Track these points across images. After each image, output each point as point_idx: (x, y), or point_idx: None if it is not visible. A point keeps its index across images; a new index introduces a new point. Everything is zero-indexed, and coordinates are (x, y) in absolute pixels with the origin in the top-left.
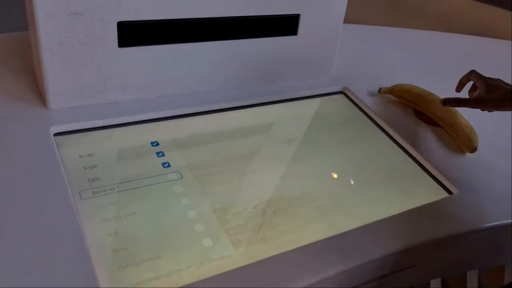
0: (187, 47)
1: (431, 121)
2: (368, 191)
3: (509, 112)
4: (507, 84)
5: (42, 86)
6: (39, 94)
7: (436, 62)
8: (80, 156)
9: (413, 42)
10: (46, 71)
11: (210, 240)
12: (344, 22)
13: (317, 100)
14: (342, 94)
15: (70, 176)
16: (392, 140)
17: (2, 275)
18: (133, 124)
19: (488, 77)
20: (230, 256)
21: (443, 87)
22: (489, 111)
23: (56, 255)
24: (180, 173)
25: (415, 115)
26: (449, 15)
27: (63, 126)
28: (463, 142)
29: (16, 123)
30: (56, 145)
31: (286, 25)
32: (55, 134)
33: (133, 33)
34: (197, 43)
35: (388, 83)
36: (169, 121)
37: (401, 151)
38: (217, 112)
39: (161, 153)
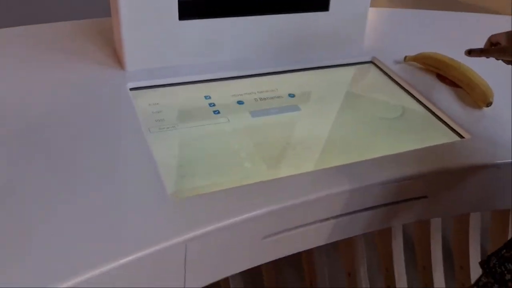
0: (235, 21)
1: (452, 83)
2: (390, 137)
3: None
4: None
5: (120, 53)
6: (118, 61)
7: (461, 40)
8: (149, 104)
9: (440, 22)
10: (124, 40)
11: (249, 163)
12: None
13: (348, 68)
14: (371, 64)
15: (142, 118)
16: (415, 99)
17: (92, 182)
18: (191, 83)
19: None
20: (263, 175)
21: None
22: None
23: (133, 171)
24: (228, 118)
25: (438, 79)
26: None
27: (137, 82)
28: (479, 97)
29: (102, 81)
30: (131, 96)
31: (319, 2)
32: (131, 89)
33: (190, 9)
34: (243, 17)
35: (414, 54)
36: (220, 81)
37: (421, 107)
38: (258, 76)
39: (213, 104)
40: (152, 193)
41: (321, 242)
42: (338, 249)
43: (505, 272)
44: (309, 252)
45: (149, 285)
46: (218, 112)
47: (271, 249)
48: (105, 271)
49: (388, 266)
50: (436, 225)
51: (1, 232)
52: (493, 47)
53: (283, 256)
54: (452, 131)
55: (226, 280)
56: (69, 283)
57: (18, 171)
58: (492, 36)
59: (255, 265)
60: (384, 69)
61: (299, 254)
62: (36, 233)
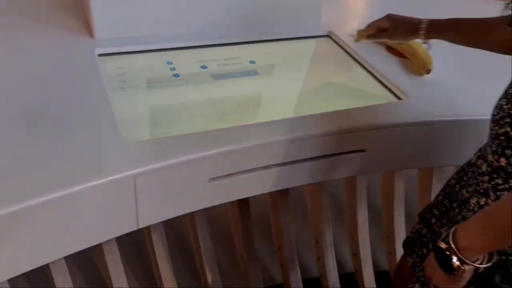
0: None
1: (400, 54)
2: (335, 98)
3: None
4: (414, 19)
5: (90, 22)
6: (89, 30)
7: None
8: (115, 68)
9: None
10: (93, 10)
11: (203, 117)
12: None
13: (306, 40)
14: (328, 37)
15: (106, 79)
16: (363, 68)
17: (57, 127)
18: (156, 51)
19: (395, 14)
20: (214, 127)
21: None
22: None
23: (94, 120)
24: (186, 80)
25: (387, 50)
26: None
27: (104, 49)
28: (420, 65)
29: (73, 47)
30: (99, 61)
31: None
32: (99, 55)
33: None
34: None
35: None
36: (183, 50)
37: (368, 75)
38: (222, 46)
39: (174, 69)
40: (108, 136)
41: (265, 189)
42: (306, 218)
43: (431, 217)
44: (276, 218)
45: (102, 219)
46: (178, 76)
47: (217, 192)
48: (70, 192)
49: (354, 235)
50: (399, 196)
51: None
52: (381, 33)
53: (230, 200)
54: (392, 94)
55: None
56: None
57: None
58: (373, 22)
59: (203, 207)
60: (339, 42)
61: (268, 218)
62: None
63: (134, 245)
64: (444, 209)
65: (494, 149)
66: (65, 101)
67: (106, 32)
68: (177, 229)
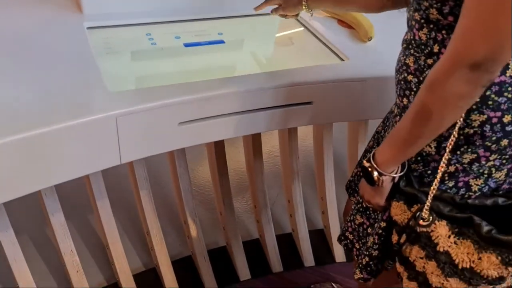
0: None
1: (348, 26)
2: (288, 60)
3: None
4: None
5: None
6: (77, 6)
7: None
8: (101, 38)
9: None
10: None
11: (175, 75)
12: None
13: (268, 16)
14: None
15: (94, 46)
16: (315, 37)
17: (50, 74)
18: (138, 25)
19: None
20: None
21: None
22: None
23: (82, 76)
24: (162, 47)
25: (338, 23)
26: None
27: (92, 22)
28: (363, 34)
29: (63, 21)
30: (87, 33)
31: None
32: (87, 28)
33: None
34: None
35: None
36: (159, 24)
37: (319, 42)
38: (195, 21)
39: (152, 38)
40: (95, 86)
41: (229, 134)
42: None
43: (363, 159)
44: (252, 180)
45: (91, 152)
46: (155, 44)
47: (186, 135)
48: (63, 126)
49: (322, 195)
50: (328, 157)
51: None
52: (278, 7)
53: (197, 143)
54: (337, 57)
55: (179, 195)
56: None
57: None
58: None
59: (175, 148)
60: (299, 18)
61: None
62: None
63: (125, 205)
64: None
65: (398, 92)
66: (57, 59)
67: (93, 8)
68: (163, 190)
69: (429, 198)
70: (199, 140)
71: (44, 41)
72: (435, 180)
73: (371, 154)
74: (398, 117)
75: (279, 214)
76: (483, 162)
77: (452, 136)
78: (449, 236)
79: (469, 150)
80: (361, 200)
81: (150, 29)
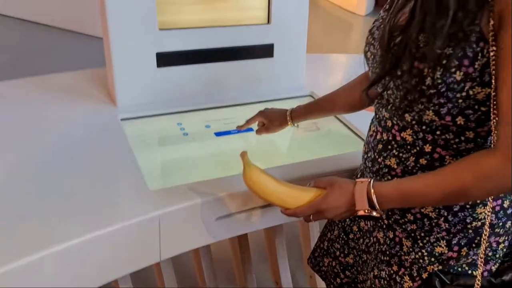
0: (199, 67)
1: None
2: (314, 147)
3: None
4: (281, 111)
5: (113, 93)
6: (111, 99)
7: None
8: (135, 129)
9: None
10: (116, 84)
11: (208, 168)
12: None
13: (292, 100)
14: (310, 97)
15: (130, 138)
16: (341, 122)
17: (93, 179)
18: (167, 114)
19: (266, 110)
20: (217, 174)
21: None
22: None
23: (124, 173)
24: (194, 138)
25: None
26: None
27: (125, 114)
28: None
29: (99, 114)
30: (122, 124)
31: (266, 51)
32: (121, 119)
33: (165, 59)
34: (206, 64)
35: None
36: (189, 113)
37: (346, 128)
38: (222, 108)
39: (183, 128)
40: (136, 185)
41: (262, 225)
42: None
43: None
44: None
45: (132, 255)
46: (187, 134)
47: (223, 228)
48: (108, 231)
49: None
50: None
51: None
52: (261, 128)
53: (234, 235)
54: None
55: (200, 271)
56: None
57: (48, 173)
58: (250, 120)
59: (213, 241)
60: None
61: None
62: (53, 207)
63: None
64: None
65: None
66: (97, 157)
67: (126, 100)
68: (184, 268)
69: None
70: (235, 233)
71: (83, 140)
72: (477, 280)
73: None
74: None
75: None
76: (495, 246)
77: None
78: None
79: (481, 242)
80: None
81: (180, 118)
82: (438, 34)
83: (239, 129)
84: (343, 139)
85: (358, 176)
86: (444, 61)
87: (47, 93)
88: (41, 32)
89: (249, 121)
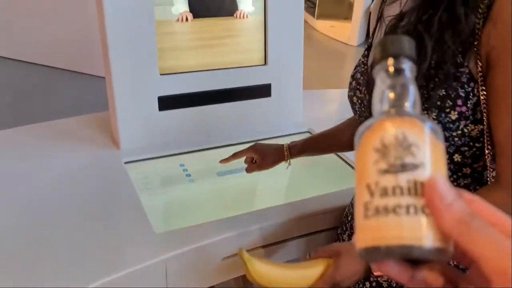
0: (200, 109)
1: None
2: (315, 182)
3: None
4: (277, 146)
5: (116, 137)
6: (114, 143)
7: None
8: (139, 173)
9: None
10: (119, 128)
11: (211, 209)
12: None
13: (292, 136)
14: (308, 133)
15: (134, 182)
16: (339, 157)
17: (101, 223)
18: (170, 156)
19: (260, 145)
20: (221, 214)
21: None
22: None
23: (129, 217)
24: (196, 178)
25: None
26: None
27: (129, 157)
28: None
29: (103, 158)
30: (126, 167)
31: (263, 91)
32: (125, 162)
33: (166, 103)
34: (204, 106)
35: None
36: (192, 153)
37: (345, 164)
38: (222, 147)
39: (186, 169)
40: (142, 229)
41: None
42: None
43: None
44: None
45: None
46: (190, 176)
47: (230, 268)
48: (108, 280)
49: None
50: None
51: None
52: (252, 165)
53: (240, 274)
54: None
55: None
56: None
57: (52, 219)
58: (239, 153)
59: (220, 281)
60: None
61: None
62: (57, 254)
63: None
64: None
65: None
66: (101, 202)
67: (129, 143)
68: None
69: None
70: (242, 271)
71: (88, 185)
72: None
73: None
74: None
75: None
76: None
77: None
78: None
79: None
80: None
81: (183, 159)
82: (422, 76)
83: (223, 163)
84: (345, 174)
85: (349, 219)
86: (439, 102)
87: (51, 140)
88: (42, 73)
89: (236, 155)
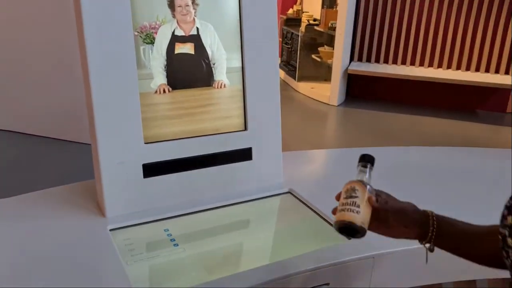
0: (182, 175)
1: None
2: (300, 242)
3: None
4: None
5: (102, 205)
6: (100, 211)
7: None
8: (124, 239)
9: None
10: (105, 196)
11: (197, 273)
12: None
13: (272, 198)
14: (289, 193)
15: (119, 250)
16: (320, 217)
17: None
18: (154, 221)
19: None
20: (207, 278)
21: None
22: None
23: (112, 280)
24: (181, 244)
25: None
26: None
27: (114, 225)
28: None
29: (88, 226)
30: (111, 235)
31: (244, 155)
32: (110, 230)
33: (151, 170)
34: (194, 170)
35: (325, 188)
36: (176, 218)
37: (324, 222)
38: (206, 211)
39: (170, 234)
40: None
41: None
42: None
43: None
44: None
45: None
46: (174, 240)
47: None
48: None
49: None
50: None
51: None
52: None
53: None
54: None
55: None
56: None
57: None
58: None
59: None
60: (298, 197)
61: None
62: None
63: None
64: None
65: None
66: (85, 270)
67: (114, 211)
68: None
69: None
70: None
71: (73, 255)
72: None
73: None
74: None
75: None
76: None
77: None
78: None
79: None
80: None
81: (167, 224)
82: None
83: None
84: (324, 233)
85: None
86: None
87: (37, 210)
88: (26, 143)
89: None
